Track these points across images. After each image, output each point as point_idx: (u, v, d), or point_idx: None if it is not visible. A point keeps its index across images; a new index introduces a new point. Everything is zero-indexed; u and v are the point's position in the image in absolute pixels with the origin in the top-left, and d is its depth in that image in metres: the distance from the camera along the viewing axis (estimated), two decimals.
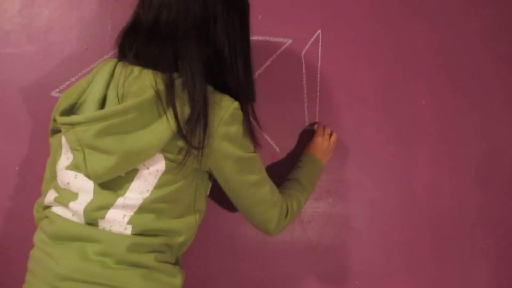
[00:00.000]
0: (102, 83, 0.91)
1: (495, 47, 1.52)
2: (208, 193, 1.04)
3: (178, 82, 0.87)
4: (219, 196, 1.32)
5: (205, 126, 0.85)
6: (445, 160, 1.49)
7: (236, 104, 0.91)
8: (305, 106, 1.38)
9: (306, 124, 1.38)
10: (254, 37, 1.33)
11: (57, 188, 0.95)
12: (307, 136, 1.37)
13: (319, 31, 1.39)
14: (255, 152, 0.98)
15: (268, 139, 1.36)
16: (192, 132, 0.85)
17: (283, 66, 1.35)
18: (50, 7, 1.25)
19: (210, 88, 0.89)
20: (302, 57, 1.38)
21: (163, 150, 0.87)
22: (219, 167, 0.93)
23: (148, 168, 0.88)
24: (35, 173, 1.23)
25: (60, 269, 0.85)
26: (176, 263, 0.99)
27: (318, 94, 1.38)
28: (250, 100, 0.97)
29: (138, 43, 0.92)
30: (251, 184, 0.97)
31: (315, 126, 1.37)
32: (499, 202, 1.53)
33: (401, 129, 1.46)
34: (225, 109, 0.88)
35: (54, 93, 1.24)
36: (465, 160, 1.51)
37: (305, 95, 1.38)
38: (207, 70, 0.89)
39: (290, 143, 1.37)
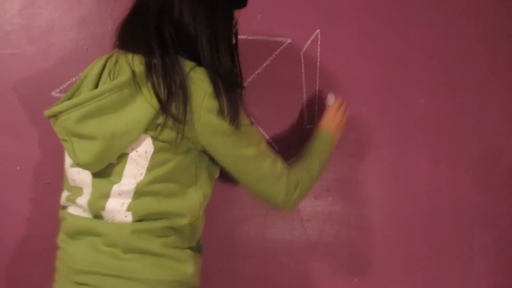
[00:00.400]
0: (94, 74, 0.93)
1: (493, 46, 1.53)
2: (216, 176, 1.02)
3: (155, 62, 0.87)
4: (219, 195, 1.33)
5: (185, 100, 0.84)
6: (444, 158, 1.49)
7: (215, 74, 0.88)
8: (304, 105, 1.39)
9: (306, 123, 1.39)
10: (253, 37, 1.34)
11: (69, 187, 0.97)
12: (306, 135, 1.37)
13: (318, 30, 1.40)
14: (251, 124, 0.95)
15: (267, 138, 1.36)
16: (171, 101, 0.84)
17: (282, 65, 1.35)
18: (50, 7, 1.25)
19: (190, 64, 0.88)
20: (301, 56, 1.39)
21: (147, 130, 0.86)
22: (211, 143, 0.90)
23: (137, 151, 0.87)
24: (36, 173, 1.24)
25: (76, 264, 0.87)
26: (194, 248, 0.98)
27: (317, 93, 1.39)
28: (233, 87, 0.92)
29: (121, 26, 0.95)
30: (249, 159, 0.93)
31: (330, 100, 1.29)
32: (497, 200, 1.54)
33: (400, 128, 1.47)
34: (207, 82, 0.87)
35: (54, 93, 1.24)
36: (463, 158, 1.51)
37: (304, 94, 1.39)
38: (181, 49, 0.89)
39: (290, 142, 1.37)
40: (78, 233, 0.91)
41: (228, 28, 0.96)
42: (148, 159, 0.87)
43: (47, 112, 0.92)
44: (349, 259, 1.44)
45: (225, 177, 1.05)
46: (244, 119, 0.91)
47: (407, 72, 1.47)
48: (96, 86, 0.92)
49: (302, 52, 1.39)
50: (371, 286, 1.45)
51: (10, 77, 1.23)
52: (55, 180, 1.23)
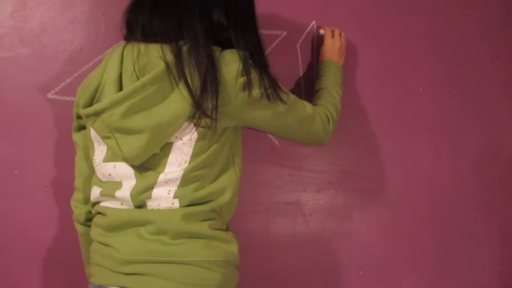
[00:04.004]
0: (115, 68, 0.93)
1: (492, 33, 1.52)
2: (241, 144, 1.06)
3: (184, 49, 0.88)
4: None
5: (216, 86, 0.86)
6: (445, 147, 1.48)
7: (245, 53, 0.91)
8: (303, 97, 1.37)
9: None
10: None
11: (99, 183, 0.98)
12: None
13: (313, 22, 1.39)
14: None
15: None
16: (204, 95, 0.86)
17: (278, 58, 1.34)
18: (42, 9, 1.24)
19: (217, 48, 0.91)
20: (298, 49, 1.37)
21: (190, 118, 0.88)
22: (253, 116, 0.95)
23: (181, 139, 0.90)
24: (33, 175, 1.23)
25: (122, 255, 0.88)
26: (227, 229, 1.01)
27: (315, 85, 1.38)
28: (263, 67, 0.96)
29: (143, 17, 0.94)
30: (285, 113, 0.99)
31: (321, 31, 1.35)
32: (500, 188, 1.53)
33: (400, 118, 1.46)
34: (238, 61, 0.90)
35: (50, 95, 1.23)
36: (465, 147, 1.50)
37: (302, 87, 1.38)
38: (211, 36, 0.91)
39: None
40: (121, 226, 0.91)
41: (255, 12, 1.01)
42: (192, 146, 0.90)
43: (86, 111, 0.91)
44: (353, 252, 1.43)
45: None
46: (279, 88, 0.96)
47: (405, 61, 1.46)
48: (119, 81, 0.92)
49: (298, 45, 1.37)
50: (376, 278, 1.44)
51: (5, 80, 1.22)
52: (53, 183, 1.23)
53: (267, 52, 1.33)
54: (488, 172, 1.52)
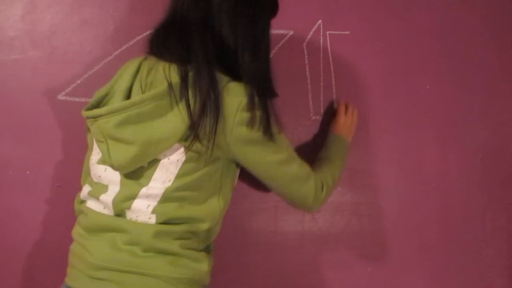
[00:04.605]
0: (128, 78, 0.96)
1: (497, 28, 1.52)
2: (235, 183, 1.06)
3: (191, 74, 0.89)
4: None
5: (217, 113, 0.87)
6: (452, 143, 1.49)
7: (252, 90, 0.91)
8: (310, 97, 1.39)
9: (312, 114, 1.39)
10: None
11: (91, 182, 1.00)
12: (313, 126, 1.38)
13: (320, 21, 1.39)
14: (280, 132, 0.98)
15: None
16: (201, 120, 0.87)
17: (285, 58, 1.35)
18: (52, 11, 1.26)
19: (226, 78, 0.91)
20: (304, 48, 1.38)
21: (181, 140, 0.89)
22: (243, 153, 0.94)
23: (168, 158, 0.91)
24: (45, 176, 1.25)
25: (94, 260, 0.90)
26: (205, 249, 1.01)
27: (321, 84, 1.39)
28: (268, 95, 0.96)
29: (164, 37, 0.96)
30: (279, 164, 0.97)
31: (335, 105, 1.37)
32: (508, 182, 1.53)
33: (407, 115, 1.46)
34: (242, 96, 0.89)
35: (60, 97, 1.25)
36: (472, 142, 1.50)
37: (309, 86, 1.39)
38: (217, 62, 0.91)
39: (296, 135, 1.38)
40: (99, 230, 0.93)
41: (267, 37, 1.01)
42: (179, 167, 0.91)
43: (86, 113, 0.95)
44: (361, 249, 1.44)
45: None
46: (274, 128, 0.95)
47: (411, 58, 1.46)
48: (129, 91, 0.95)
49: (304, 44, 1.38)
50: (384, 274, 1.45)
51: (16, 82, 1.24)
52: (65, 183, 1.25)
53: (274, 51, 1.35)
54: (495, 167, 1.52)
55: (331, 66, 1.40)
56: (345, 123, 1.30)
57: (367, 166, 1.44)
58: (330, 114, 1.38)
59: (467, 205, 1.50)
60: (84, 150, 1.09)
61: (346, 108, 1.34)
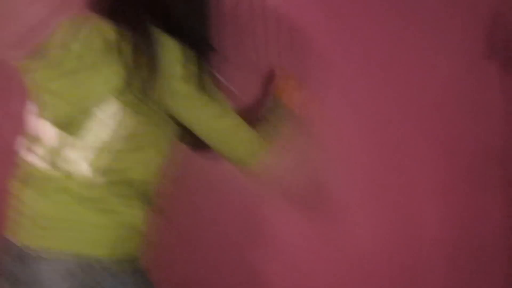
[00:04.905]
0: (64, 33, 0.98)
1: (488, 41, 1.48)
2: (175, 139, 1.07)
3: (126, 28, 0.91)
4: (228, 191, 1.36)
5: (151, 68, 0.89)
6: (442, 150, 1.46)
7: (187, 44, 0.93)
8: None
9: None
10: None
11: (26, 134, 1.02)
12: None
13: None
14: (216, 88, 1.00)
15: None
16: (136, 74, 0.89)
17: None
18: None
19: (161, 33, 0.93)
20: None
21: (117, 93, 0.91)
22: (177, 106, 0.96)
23: (104, 111, 0.92)
24: None
25: (27, 210, 0.93)
26: (142, 202, 1.01)
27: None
28: (205, 50, 0.98)
29: None
30: (213, 117, 1.00)
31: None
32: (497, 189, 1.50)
33: (400, 113, 1.44)
34: (177, 50, 0.92)
35: None
36: (460, 150, 1.47)
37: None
38: (152, 17, 0.94)
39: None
40: (32, 180, 0.95)
41: None
42: (115, 120, 0.92)
43: (22, 66, 0.99)
44: (361, 245, 1.43)
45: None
46: (208, 84, 0.97)
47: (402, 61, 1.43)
48: (65, 46, 0.96)
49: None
50: (379, 276, 1.44)
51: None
52: None
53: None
54: (484, 173, 1.49)
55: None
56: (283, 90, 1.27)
57: (362, 170, 1.43)
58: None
59: (467, 211, 1.48)
60: None
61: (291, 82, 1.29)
